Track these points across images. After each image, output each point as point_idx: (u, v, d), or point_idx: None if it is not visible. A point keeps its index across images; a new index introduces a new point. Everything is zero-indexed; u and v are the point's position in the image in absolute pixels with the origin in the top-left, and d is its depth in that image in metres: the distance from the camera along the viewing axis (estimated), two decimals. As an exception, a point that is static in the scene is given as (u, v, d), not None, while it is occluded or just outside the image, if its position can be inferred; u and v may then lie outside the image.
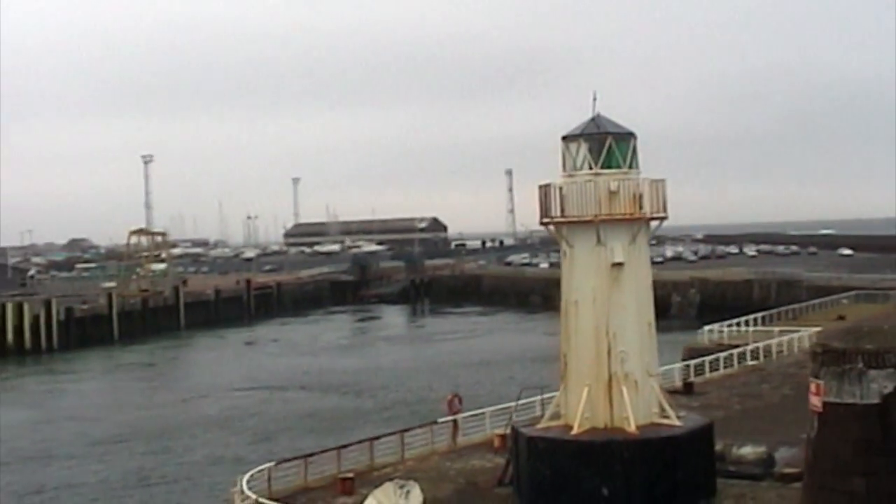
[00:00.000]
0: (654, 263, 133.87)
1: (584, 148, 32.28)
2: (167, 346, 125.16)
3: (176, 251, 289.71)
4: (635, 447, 30.61)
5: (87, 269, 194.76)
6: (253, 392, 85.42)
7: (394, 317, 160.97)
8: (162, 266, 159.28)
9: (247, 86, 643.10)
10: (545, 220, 32.57)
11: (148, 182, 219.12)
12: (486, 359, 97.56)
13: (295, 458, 36.78)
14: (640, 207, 31.95)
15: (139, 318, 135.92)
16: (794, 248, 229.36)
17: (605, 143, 32.00)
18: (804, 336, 63.61)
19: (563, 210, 32.12)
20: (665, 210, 32.46)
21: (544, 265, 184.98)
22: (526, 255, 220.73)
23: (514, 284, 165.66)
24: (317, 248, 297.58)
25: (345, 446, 37.86)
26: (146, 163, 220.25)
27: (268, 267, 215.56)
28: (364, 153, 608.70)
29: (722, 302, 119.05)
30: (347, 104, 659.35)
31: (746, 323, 73.77)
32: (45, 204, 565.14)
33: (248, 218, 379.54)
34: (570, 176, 32.42)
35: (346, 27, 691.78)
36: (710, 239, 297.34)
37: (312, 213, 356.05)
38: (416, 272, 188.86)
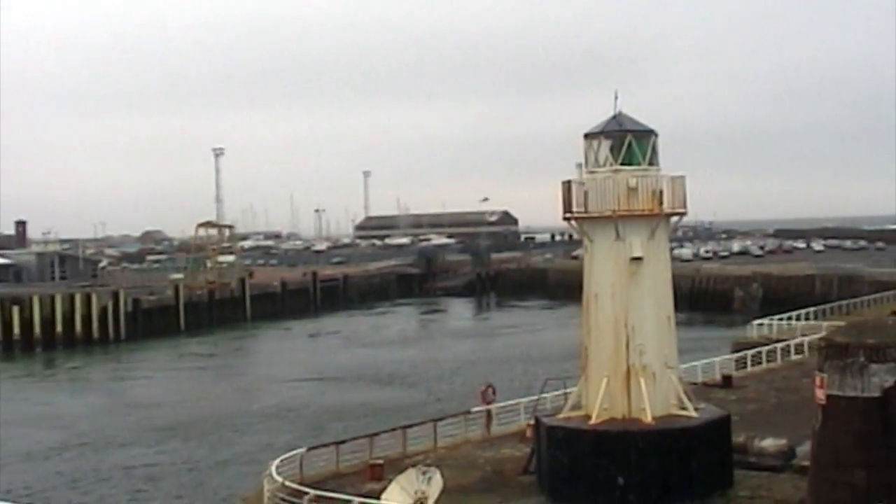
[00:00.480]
0: (720, 258, 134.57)
1: (604, 145, 33.07)
2: (232, 337, 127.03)
3: (247, 244, 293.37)
4: (650, 438, 31.35)
5: (157, 261, 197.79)
6: (311, 383, 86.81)
7: (459, 310, 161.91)
8: (230, 258, 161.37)
9: (319, 79, 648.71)
10: (566, 215, 33.36)
11: (218, 175, 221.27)
12: (546, 353, 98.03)
13: (327, 445, 37.89)
14: (660, 203, 32.58)
15: (205, 310, 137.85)
16: (863, 243, 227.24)
17: (625, 141, 32.72)
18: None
19: (583, 206, 32.89)
20: (685, 206, 33.11)
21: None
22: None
23: (578, 278, 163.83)
24: (387, 241, 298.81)
25: (376, 434, 38.88)
26: (217, 156, 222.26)
27: (336, 259, 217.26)
28: (435, 147, 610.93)
29: (784, 296, 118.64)
30: (419, 98, 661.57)
31: (797, 318, 73.82)
32: (118, 196, 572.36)
33: (316, 211, 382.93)
34: (592, 172, 33.24)
35: (419, 21, 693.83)
36: (780, 234, 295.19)
37: (383, 207, 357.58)
38: (483, 265, 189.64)
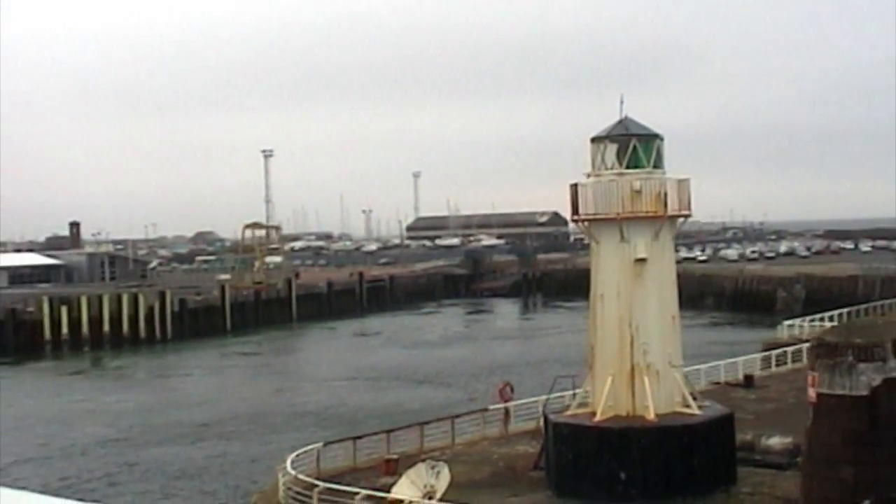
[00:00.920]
0: (766, 259, 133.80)
1: (611, 149, 33.92)
2: (277, 337, 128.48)
3: (298, 244, 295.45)
4: (652, 434, 32.14)
5: (206, 262, 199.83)
6: (350, 382, 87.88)
7: (504, 310, 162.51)
8: (277, 259, 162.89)
9: (369, 81, 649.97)
10: (574, 217, 34.21)
11: (268, 176, 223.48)
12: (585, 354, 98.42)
13: (344, 440, 38.95)
14: (664, 206, 33.35)
15: (251, 310, 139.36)
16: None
17: (630, 145, 33.50)
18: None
19: (589, 208, 33.73)
20: (689, 208, 33.87)
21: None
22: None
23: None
24: (438, 241, 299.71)
25: (393, 430, 39.90)
26: (266, 157, 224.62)
27: (383, 260, 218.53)
28: (485, 148, 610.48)
29: (826, 297, 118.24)
30: (469, 99, 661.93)
31: (830, 318, 73.99)
32: (170, 198, 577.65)
33: (364, 212, 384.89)
34: (598, 175, 34.04)
35: (468, 22, 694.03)
36: (829, 234, 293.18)
37: (433, 207, 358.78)
38: (529, 266, 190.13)
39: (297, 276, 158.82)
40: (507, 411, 43.64)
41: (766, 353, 57.87)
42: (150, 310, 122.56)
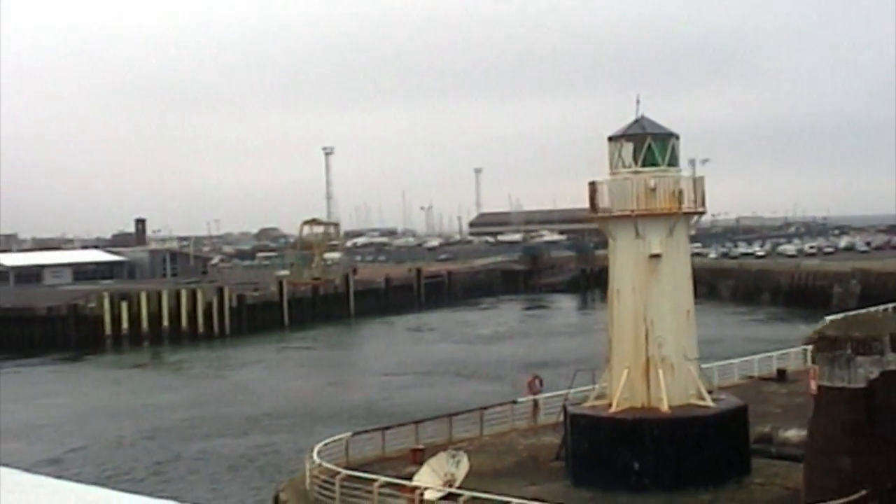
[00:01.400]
0: (824, 254, 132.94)
1: (626, 148, 34.82)
2: (333, 332, 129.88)
3: (361, 240, 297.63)
4: (665, 426, 33.06)
5: (267, 258, 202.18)
6: (401, 377, 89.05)
7: (561, 305, 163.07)
8: (335, 255, 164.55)
9: (429, 76, 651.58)
10: (592, 214, 35.19)
11: (328, 173, 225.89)
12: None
13: (373, 430, 40.21)
14: (679, 203, 34.23)
15: (309, 306, 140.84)
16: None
17: (645, 143, 34.41)
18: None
19: (606, 205, 34.71)
20: (703, 205, 34.72)
21: (712, 255, 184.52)
22: (698, 244, 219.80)
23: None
24: (500, 237, 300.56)
25: (421, 421, 41.11)
26: (327, 154, 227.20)
27: (443, 256, 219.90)
28: (546, 143, 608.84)
29: (882, 292, 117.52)
30: (530, 94, 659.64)
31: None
32: (234, 194, 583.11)
33: (422, 208, 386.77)
34: (614, 174, 34.98)
35: (527, 17, 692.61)
36: (891, 230, 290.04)
37: (495, 203, 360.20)
38: (587, 261, 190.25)
39: (354, 271, 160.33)
40: (535, 403, 44.64)
41: (803, 348, 58.20)
42: (209, 305, 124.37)
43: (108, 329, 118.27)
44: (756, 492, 32.52)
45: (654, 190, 34.01)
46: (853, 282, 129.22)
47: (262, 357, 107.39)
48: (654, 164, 34.47)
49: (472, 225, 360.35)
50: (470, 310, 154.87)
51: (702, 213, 35.32)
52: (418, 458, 37.50)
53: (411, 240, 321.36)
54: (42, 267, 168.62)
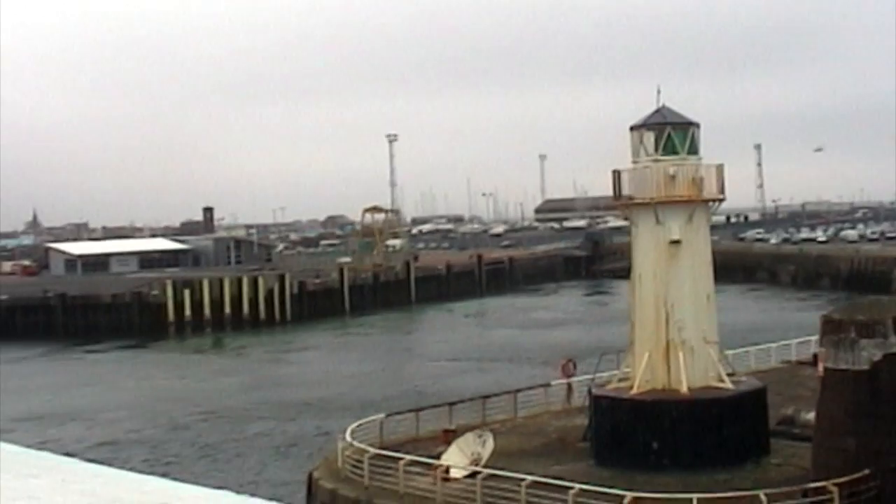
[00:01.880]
0: (887, 239, 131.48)
1: (647, 137, 35.79)
2: (393, 318, 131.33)
3: (427, 227, 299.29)
4: (683, 407, 34.03)
5: (330, 245, 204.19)
6: (455, 363, 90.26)
7: (622, 291, 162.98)
8: (397, 242, 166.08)
9: (495, 64, 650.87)
10: (615, 201, 36.24)
11: (392, 160, 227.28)
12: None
13: (407, 412, 41.56)
14: (699, 190, 35.17)
15: (370, 292, 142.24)
16: None
17: (665, 132, 35.36)
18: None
19: (627, 193, 35.73)
20: (723, 192, 35.66)
21: (774, 241, 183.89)
22: (761, 230, 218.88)
23: (741, 259, 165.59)
24: (565, 223, 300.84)
25: (455, 403, 42.40)
26: (391, 141, 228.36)
27: (505, 243, 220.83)
28: (611, 129, 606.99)
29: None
30: (595, 80, 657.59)
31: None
32: (300, 182, 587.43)
33: (483, 195, 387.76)
34: (636, 162, 35.98)
35: (592, 3, 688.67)
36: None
37: (560, 190, 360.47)
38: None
39: (416, 258, 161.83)
40: (569, 386, 45.70)
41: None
42: (270, 292, 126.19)
43: (170, 316, 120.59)
44: (772, 471, 33.31)
45: (673, 178, 34.95)
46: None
47: (321, 343, 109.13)
48: (675, 153, 35.40)
49: (537, 211, 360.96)
50: (530, 296, 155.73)
51: (721, 200, 36.21)
52: (449, 438, 38.64)
53: (476, 226, 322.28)
54: (108, 255, 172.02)
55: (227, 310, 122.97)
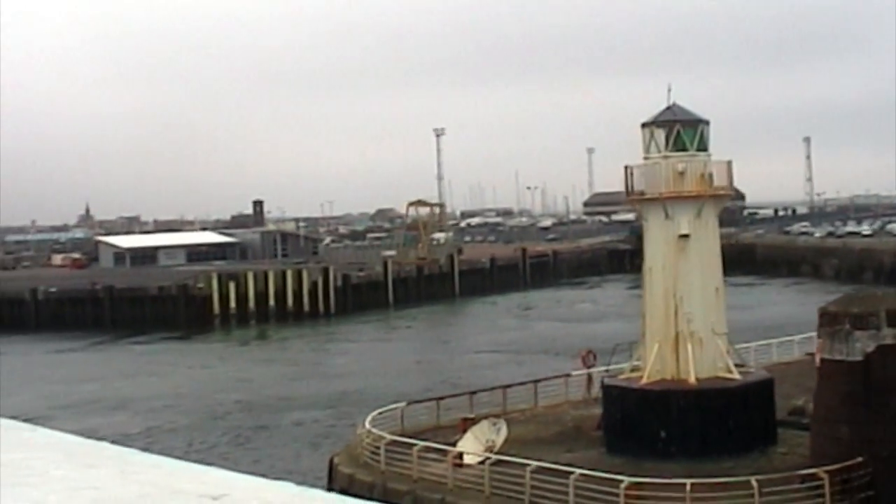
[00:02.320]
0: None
1: (658, 134, 36.79)
2: (436, 311, 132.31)
3: (475, 220, 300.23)
4: (690, 397, 35.04)
5: (377, 238, 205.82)
6: (493, 355, 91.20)
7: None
8: (442, 235, 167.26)
9: (542, 57, 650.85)
10: (627, 197, 37.29)
11: (439, 154, 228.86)
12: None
13: (428, 400, 42.83)
14: (708, 186, 36.14)
15: (414, 285, 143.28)
16: None
17: (675, 129, 36.34)
18: None
19: (638, 188, 36.77)
20: (731, 188, 36.62)
21: (818, 234, 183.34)
22: (806, 223, 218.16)
23: (785, 253, 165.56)
24: (613, 217, 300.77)
25: (476, 392, 43.64)
26: (438, 136, 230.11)
27: (551, 236, 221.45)
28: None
29: None
30: (643, 72, 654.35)
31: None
32: (350, 175, 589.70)
33: (529, 188, 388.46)
34: (647, 158, 37.00)
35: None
36: None
37: (608, 183, 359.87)
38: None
39: (460, 251, 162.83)
40: (589, 377, 46.74)
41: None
42: (314, 285, 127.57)
43: (215, 308, 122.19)
44: (776, 459, 34.21)
45: (682, 174, 35.93)
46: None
47: (363, 335, 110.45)
48: (684, 149, 36.36)
49: (585, 205, 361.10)
50: (574, 289, 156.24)
51: (730, 196, 37.19)
52: (468, 426, 39.82)
53: (524, 220, 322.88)
54: (157, 249, 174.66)
55: (272, 302, 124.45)
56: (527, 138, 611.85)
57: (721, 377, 35.90)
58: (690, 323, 35.91)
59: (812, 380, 45.85)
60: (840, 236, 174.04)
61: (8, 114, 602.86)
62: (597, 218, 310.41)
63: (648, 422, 35.10)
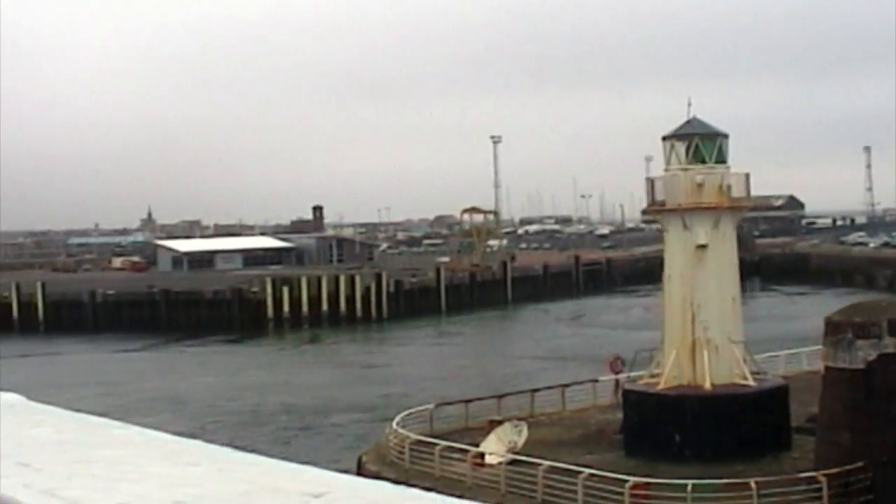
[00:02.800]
0: None
1: (677, 147, 37.96)
2: (488, 317, 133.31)
3: (533, 228, 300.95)
4: (704, 402, 36.15)
5: (433, 245, 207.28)
6: (539, 361, 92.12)
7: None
8: (496, 242, 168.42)
9: (599, 63, 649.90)
10: (648, 208, 38.51)
11: (496, 162, 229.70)
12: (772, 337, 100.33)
13: (456, 402, 44.26)
14: (728, 198, 37.27)
15: (466, 292, 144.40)
16: None
17: (693, 142, 37.51)
18: None
19: (660, 199, 37.99)
20: (748, 200, 37.76)
21: (873, 244, 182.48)
22: (862, 233, 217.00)
23: (839, 263, 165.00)
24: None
25: (504, 395, 45.03)
26: (495, 143, 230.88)
27: (606, 244, 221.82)
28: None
29: None
30: (700, 81, 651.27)
31: None
32: (409, 181, 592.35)
33: (582, 196, 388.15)
34: (667, 170, 38.20)
35: (700, 4, 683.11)
36: None
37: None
38: (746, 250, 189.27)
39: (513, 258, 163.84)
40: (616, 382, 47.87)
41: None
42: (367, 290, 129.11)
43: (269, 312, 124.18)
44: (787, 464, 35.17)
45: (701, 185, 37.08)
46: None
47: (413, 340, 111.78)
48: (703, 162, 37.52)
49: (643, 213, 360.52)
50: (626, 297, 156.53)
51: (748, 207, 38.29)
52: (494, 428, 41.19)
53: (582, 227, 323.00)
54: (214, 253, 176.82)
55: (325, 307, 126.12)
56: (584, 146, 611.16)
57: (735, 383, 36.97)
58: (707, 331, 37.01)
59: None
60: (895, 246, 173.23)
61: (77, 119, 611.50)
62: (654, 226, 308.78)
63: (664, 425, 36.25)
